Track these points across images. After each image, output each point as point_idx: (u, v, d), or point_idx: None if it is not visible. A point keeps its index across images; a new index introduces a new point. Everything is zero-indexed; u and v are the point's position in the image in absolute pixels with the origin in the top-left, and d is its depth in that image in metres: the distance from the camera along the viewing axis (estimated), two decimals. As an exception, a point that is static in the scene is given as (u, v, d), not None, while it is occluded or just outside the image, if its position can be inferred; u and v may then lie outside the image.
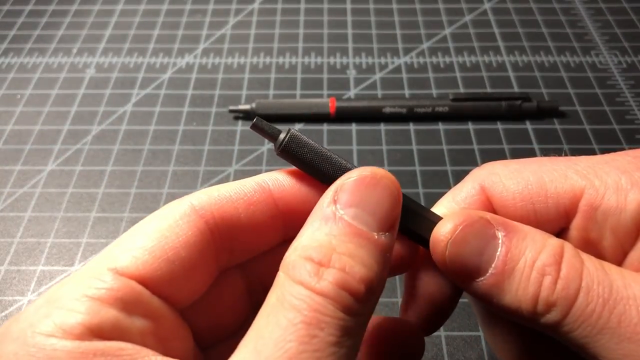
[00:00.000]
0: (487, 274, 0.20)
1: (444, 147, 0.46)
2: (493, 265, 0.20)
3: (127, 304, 0.18)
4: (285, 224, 0.22)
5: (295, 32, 0.58)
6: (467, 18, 0.59)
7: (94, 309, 0.18)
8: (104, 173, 0.45)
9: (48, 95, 0.52)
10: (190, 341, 0.21)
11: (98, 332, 0.17)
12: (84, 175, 0.45)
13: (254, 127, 0.22)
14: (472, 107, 0.47)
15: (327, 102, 0.48)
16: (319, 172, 0.22)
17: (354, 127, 0.48)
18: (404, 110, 0.47)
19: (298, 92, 0.51)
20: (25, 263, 0.39)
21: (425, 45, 0.56)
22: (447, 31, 0.58)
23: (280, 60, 0.55)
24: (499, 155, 0.44)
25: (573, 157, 0.23)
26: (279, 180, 0.22)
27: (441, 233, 0.21)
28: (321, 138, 0.47)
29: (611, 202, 0.21)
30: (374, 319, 0.24)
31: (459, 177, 0.43)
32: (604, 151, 0.45)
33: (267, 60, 0.55)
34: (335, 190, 0.20)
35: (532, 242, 0.20)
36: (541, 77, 0.52)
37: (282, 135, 0.22)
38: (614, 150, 0.48)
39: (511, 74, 0.52)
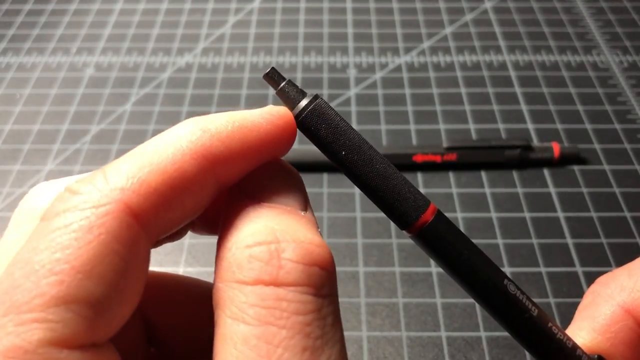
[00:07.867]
0: None
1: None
2: None
3: None
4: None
5: (295, 31, 0.58)
6: (468, 17, 0.59)
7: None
8: (103, 173, 0.45)
9: (47, 94, 0.51)
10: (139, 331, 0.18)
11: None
12: (83, 175, 0.45)
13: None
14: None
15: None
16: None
17: (354, 126, 0.48)
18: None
19: (298, 91, 0.51)
20: (23, 263, 0.39)
21: (425, 45, 0.56)
22: (448, 30, 0.57)
23: (281, 59, 0.54)
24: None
25: None
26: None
27: None
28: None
29: None
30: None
31: (460, 180, 0.43)
32: (605, 150, 0.45)
33: (267, 59, 0.54)
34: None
35: None
36: (542, 77, 0.52)
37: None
38: (617, 149, 0.48)
39: (512, 73, 0.52)
